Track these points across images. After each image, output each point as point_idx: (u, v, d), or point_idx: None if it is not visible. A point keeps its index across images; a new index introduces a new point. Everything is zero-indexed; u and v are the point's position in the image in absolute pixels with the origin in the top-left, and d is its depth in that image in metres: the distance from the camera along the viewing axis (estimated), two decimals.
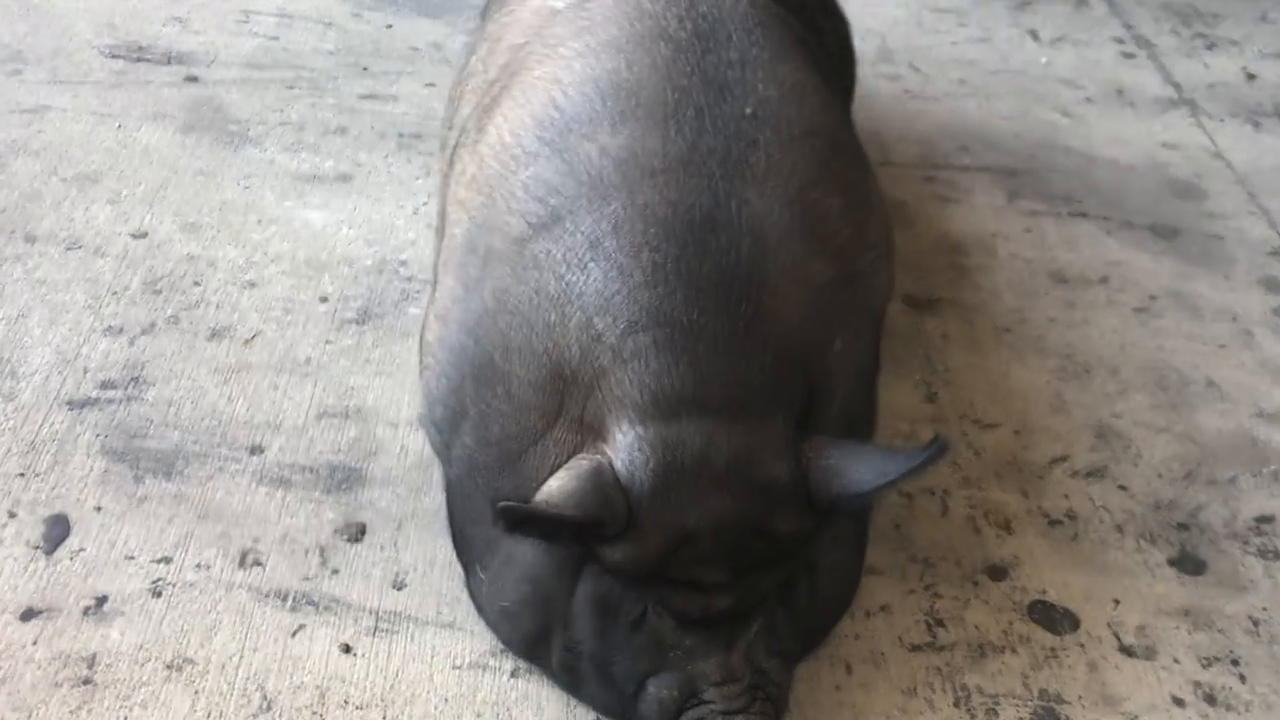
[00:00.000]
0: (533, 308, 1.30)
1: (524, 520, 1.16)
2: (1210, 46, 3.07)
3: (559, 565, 1.28)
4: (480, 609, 1.40)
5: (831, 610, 1.42)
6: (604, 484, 1.19)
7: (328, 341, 1.84)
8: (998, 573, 1.61)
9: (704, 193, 1.29)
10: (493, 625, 1.39)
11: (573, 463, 1.22)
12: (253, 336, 1.82)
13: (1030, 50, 2.93)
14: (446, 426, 1.41)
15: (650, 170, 1.31)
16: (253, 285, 1.92)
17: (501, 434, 1.31)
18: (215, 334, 1.83)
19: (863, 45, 2.85)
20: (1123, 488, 1.76)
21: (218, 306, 1.88)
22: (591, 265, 1.27)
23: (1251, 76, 2.95)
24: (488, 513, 1.35)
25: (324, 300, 1.91)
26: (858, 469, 1.21)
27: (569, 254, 1.29)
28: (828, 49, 1.92)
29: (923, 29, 2.96)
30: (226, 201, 2.10)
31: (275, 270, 1.96)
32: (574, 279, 1.28)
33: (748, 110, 1.37)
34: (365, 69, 2.51)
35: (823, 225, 1.36)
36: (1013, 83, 2.78)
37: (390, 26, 2.66)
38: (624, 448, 1.21)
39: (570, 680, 1.32)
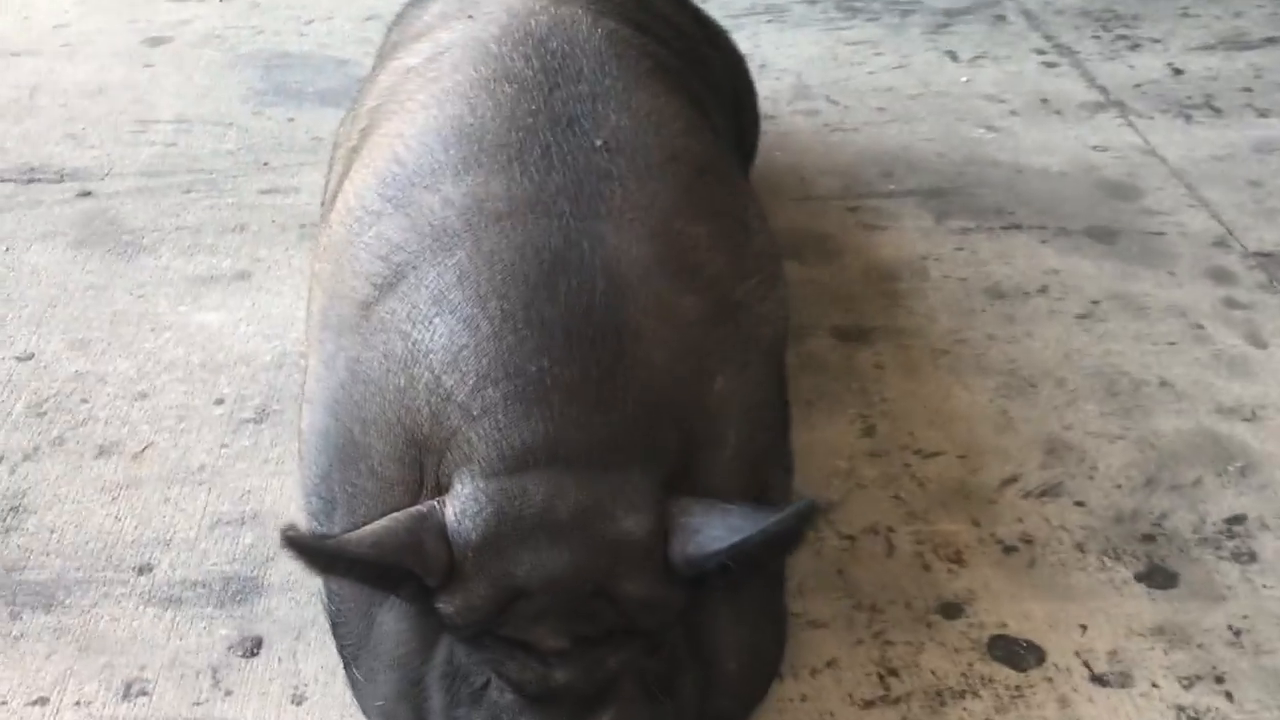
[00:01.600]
0: (383, 374, 1.20)
1: (310, 553, 1.06)
2: (1133, 47, 3.02)
3: (420, 644, 1.17)
4: (365, 713, 1.27)
5: (747, 695, 1.29)
6: (421, 528, 1.09)
7: (223, 446, 1.73)
8: (952, 610, 1.48)
9: (554, 233, 1.20)
10: None
11: (401, 512, 1.11)
12: (143, 449, 1.72)
13: (950, 71, 2.88)
14: (323, 518, 1.30)
15: (496, 215, 1.22)
16: (144, 396, 1.82)
17: (368, 516, 1.20)
18: (103, 451, 1.72)
19: (778, 85, 2.81)
20: (1080, 504, 1.64)
21: (106, 422, 1.77)
22: (437, 320, 1.18)
23: (1178, 71, 2.89)
24: (357, 604, 1.25)
25: (220, 403, 1.81)
26: (715, 528, 1.09)
27: (414, 311, 1.20)
28: (715, 80, 1.84)
29: (838, 62, 2.91)
30: (118, 313, 2.00)
31: (168, 378, 1.86)
32: (420, 337, 1.18)
33: (599, 142, 1.28)
34: (266, 164, 2.44)
35: (691, 256, 1.27)
36: (934, 104, 2.71)
37: (292, 120, 2.60)
38: (459, 498, 1.11)
39: None
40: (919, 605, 1.49)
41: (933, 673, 1.40)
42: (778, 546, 1.10)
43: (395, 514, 1.12)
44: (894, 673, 1.40)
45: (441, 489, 1.15)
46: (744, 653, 1.25)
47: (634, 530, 1.10)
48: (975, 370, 1.89)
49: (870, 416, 1.79)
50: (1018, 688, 1.38)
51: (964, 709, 1.36)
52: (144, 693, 1.37)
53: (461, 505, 1.10)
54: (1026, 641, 1.44)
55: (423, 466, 1.18)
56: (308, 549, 1.07)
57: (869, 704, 1.36)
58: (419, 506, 1.13)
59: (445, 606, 1.10)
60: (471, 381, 1.15)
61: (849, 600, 1.49)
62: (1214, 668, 1.41)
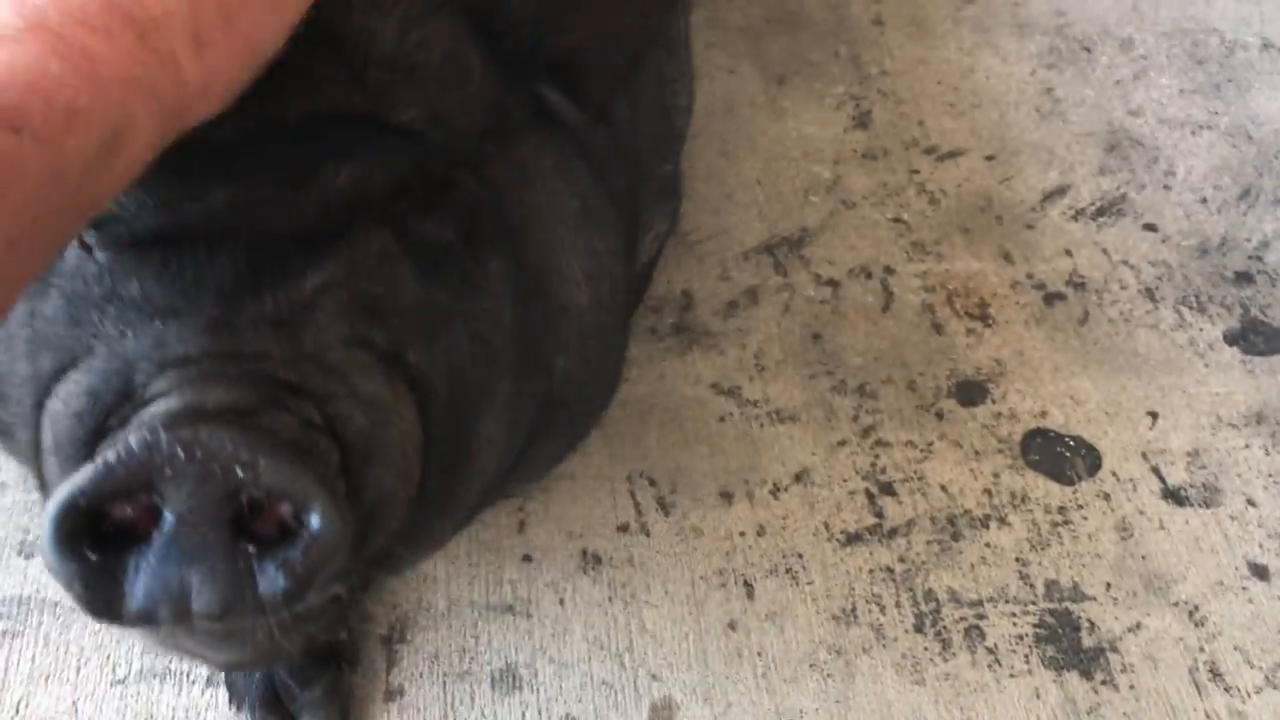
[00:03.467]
0: None
1: None
2: None
3: None
4: None
5: (595, 363, 0.75)
6: None
7: None
8: (973, 393, 1.05)
9: None
10: None
11: None
12: None
13: None
14: None
15: None
16: None
17: None
18: None
19: None
20: (1150, 227, 1.18)
21: None
22: None
23: None
24: None
25: None
26: None
27: None
28: None
29: None
30: None
31: None
32: None
33: None
34: None
35: None
36: None
37: None
38: None
39: None
40: (926, 386, 1.05)
41: (944, 489, 0.99)
42: None
43: None
44: (889, 490, 0.99)
45: None
46: (594, 272, 0.71)
47: None
48: (1010, 28, 1.36)
49: (864, 99, 1.28)
50: (1062, 510, 0.98)
51: (986, 544, 0.96)
52: None
53: None
54: (1074, 439, 1.02)
55: None
56: None
57: (852, 538, 0.96)
58: None
59: None
60: None
61: (828, 380, 1.05)
62: None
